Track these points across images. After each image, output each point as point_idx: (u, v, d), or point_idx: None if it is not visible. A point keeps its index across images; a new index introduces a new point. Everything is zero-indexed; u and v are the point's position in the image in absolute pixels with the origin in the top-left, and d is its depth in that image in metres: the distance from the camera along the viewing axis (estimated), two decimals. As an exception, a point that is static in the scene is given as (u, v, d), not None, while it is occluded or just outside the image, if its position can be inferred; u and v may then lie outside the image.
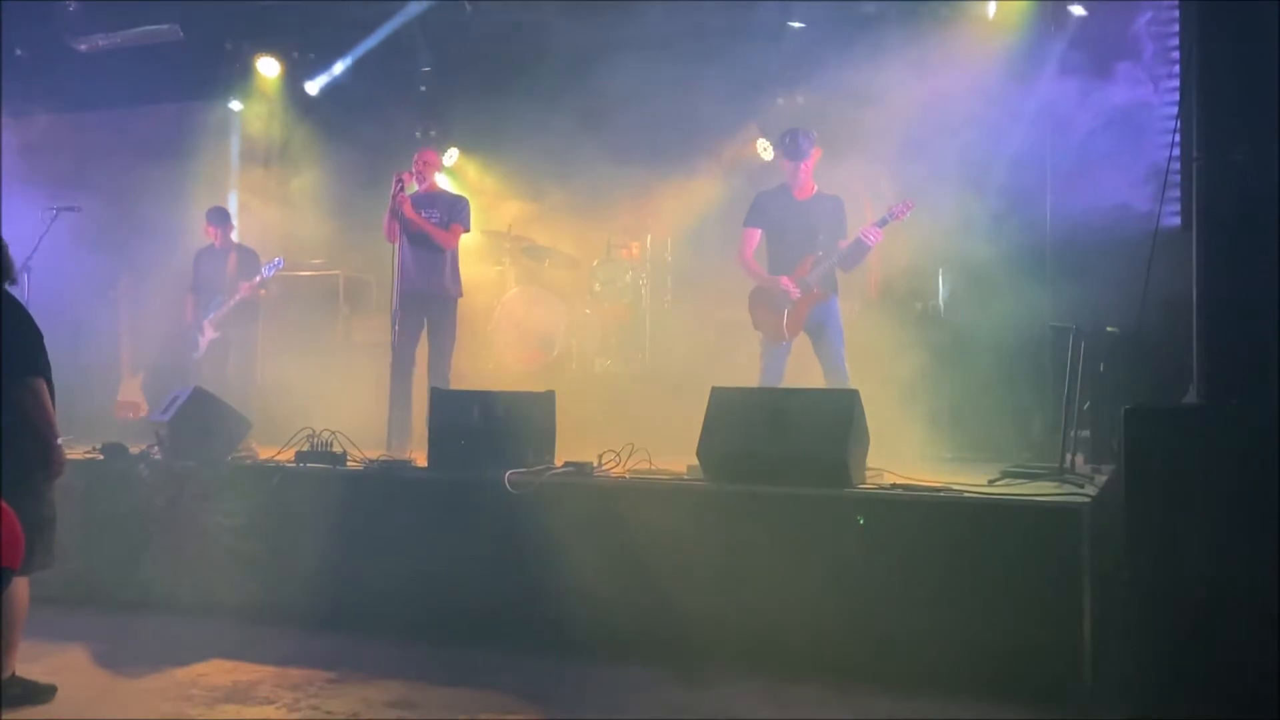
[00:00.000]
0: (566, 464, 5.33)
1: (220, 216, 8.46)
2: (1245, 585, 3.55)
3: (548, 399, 5.57)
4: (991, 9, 7.54)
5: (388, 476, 5.54)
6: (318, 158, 9.47)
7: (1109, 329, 5.82)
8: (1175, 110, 5.39)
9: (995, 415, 6.71)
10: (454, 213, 6.98)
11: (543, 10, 8.17)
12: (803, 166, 6.41)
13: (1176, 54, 6.62)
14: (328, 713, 4.13)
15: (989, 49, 7.32)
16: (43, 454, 4.09)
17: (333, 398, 6.84)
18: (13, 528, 3.54)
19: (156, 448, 5.94)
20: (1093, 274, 6.35)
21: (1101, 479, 5.02)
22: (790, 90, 8.57)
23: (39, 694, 4.18)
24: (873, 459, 5.12)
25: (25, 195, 8.41)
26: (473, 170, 9.67)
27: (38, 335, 4.13)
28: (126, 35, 9.16)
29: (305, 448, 5.71)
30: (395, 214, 6.72)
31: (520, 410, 5.46)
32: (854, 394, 5.07)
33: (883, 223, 6.21)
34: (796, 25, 8.08)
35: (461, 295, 7.10)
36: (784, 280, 6.34)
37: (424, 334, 6.94)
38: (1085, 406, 5.76)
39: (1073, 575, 4.23)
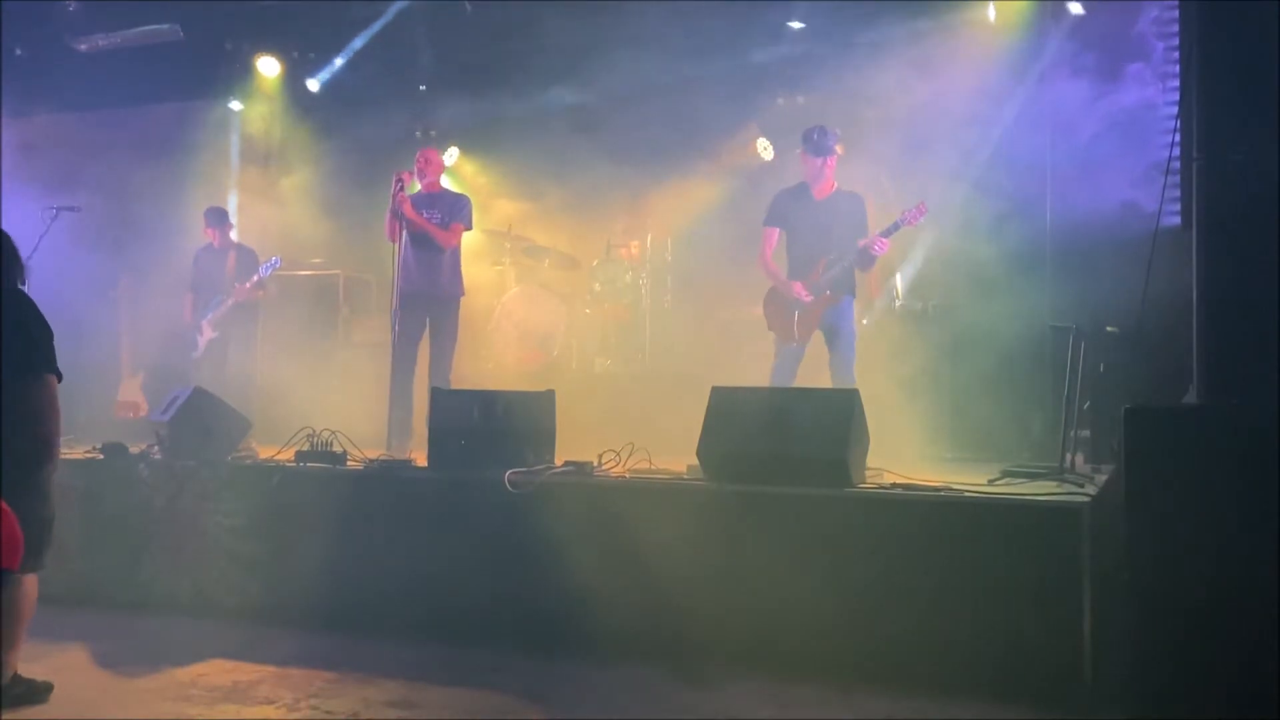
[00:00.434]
0: (566, 464, 5.32)
1: (218, 217, 8.46)
2: (1245, 585, 3.55)
3: (548, 398, 5.56)
4: (991, 10, 7.55)
5: (388, 476, 5.53)
6: (318, 157, 9.49)
7: (1109, 329, 5.81)
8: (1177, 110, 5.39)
9: (995, 415, 6.70)
10: (455, 211, 6.97)
11: (543, 10, 8.17)
12: (828, 163, 6.41)
13: (1177, 54, 6.62)
14: (328, 713, 4.12)
15: (989, 49, 7.33)
16: (45, 452, 4.07)
17: (333, 397, 6.86)
18: (12, 528, 3.54)
19: (156, 448, 5.94)
20: (1093, 274, 6.36)
21: (1101, 479, 5.01)
22: (790, 90, 8.58)
23: (39, 693, 4.18)
24: (873, 459, 5.12)
25: (25, 195, 8.39)
26: (472, 170, 9.68)
27: (51, 333, 4.12)
28: (126, 35, 9.17)
29: (305, 447, 5.71)
30: (396, 213, 6.72)
31: (520, 410, 5.46)
32: (854, 394, 5.07)
33: (890, 231, 6.20)
34: (796, 25, 8.09)
35: (463, 294, 7.09)
36: (796, 286, 6.35)
37: (425, 334, 6.94)
38: (1085, 406, 5.75)
39: (1073, 575, 4.22)
